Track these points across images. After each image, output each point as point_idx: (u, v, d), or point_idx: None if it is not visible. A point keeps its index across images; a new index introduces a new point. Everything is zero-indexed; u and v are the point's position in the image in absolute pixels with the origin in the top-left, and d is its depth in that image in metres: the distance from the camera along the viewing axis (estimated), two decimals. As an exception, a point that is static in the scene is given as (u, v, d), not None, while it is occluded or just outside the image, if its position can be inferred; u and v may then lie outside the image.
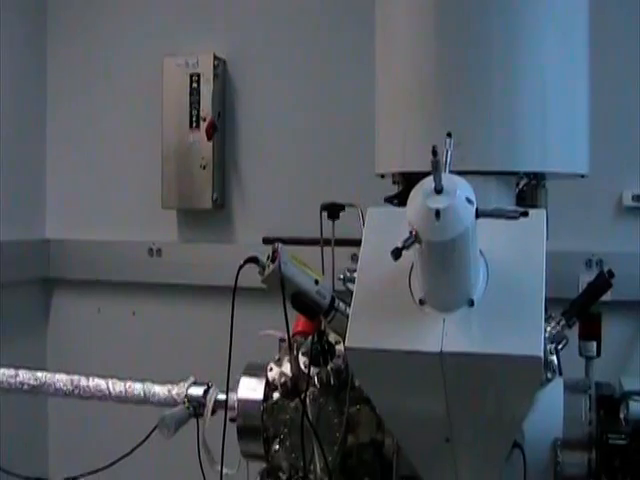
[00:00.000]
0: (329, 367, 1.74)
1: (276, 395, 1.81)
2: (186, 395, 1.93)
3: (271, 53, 3.07)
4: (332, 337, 1.75)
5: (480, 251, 1.30)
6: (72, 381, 2.01)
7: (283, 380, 1.78)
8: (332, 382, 1.74)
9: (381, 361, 1.32)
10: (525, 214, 1.23)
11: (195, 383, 1.96)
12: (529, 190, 1.75)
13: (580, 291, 1.70)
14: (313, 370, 1.74)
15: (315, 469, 1.74)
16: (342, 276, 1.68)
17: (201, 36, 3.14)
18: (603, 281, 1.66)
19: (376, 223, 1.44)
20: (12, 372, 2.04)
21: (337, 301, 1.62)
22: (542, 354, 1.22)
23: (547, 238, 1.35)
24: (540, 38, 1.61)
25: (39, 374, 2.04)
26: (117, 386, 1.98)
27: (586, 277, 2.30)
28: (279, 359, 1.83)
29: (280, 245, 1.55)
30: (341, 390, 1.75)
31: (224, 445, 1.72)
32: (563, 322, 1.59)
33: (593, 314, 1.82)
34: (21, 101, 3.30)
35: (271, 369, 1.82)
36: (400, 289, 1.32)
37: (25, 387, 2.04)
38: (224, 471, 1.79)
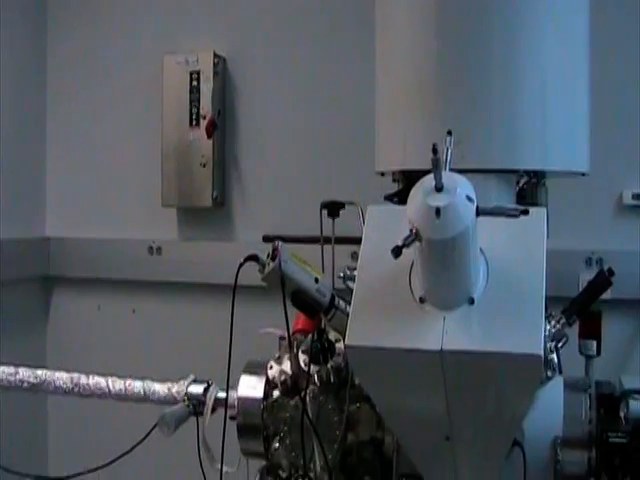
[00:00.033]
0: (329, 365, 1.74)
1: (276, 393, 1.81)
2: (186, 393, 1.93)
3: (271, 51, 3.07)
4: (332, 335, 1.75)
5: (480, 249, 1.30)
6: (72, 379, 2.01)
7: (283, 378, 1.78)
8: (332, 380, 1.74)
9: (381, 359, 1.32)
10: (525, 212, 1.23)
11: (195, 381, 1.95)
12: (529, 188, 1.75)
13: (580, 289, 1.70)
14: (313, 368, 1.74)
15: (315, 467, 1.74)
16: (342, 274, 1.68)
17: (201, 34, 3.14)
18: (603, 279, 1.66)
19: (376, 221, 1.44)
20: (12, 370, 2.04)
21: (337, 299, 1.62)
22: (542, 352, 1.22)
23: (547, 236, 1.35)
24: (540, 38, 1.61)
25: (39, 372, 2.04)
26: (117, 384, 1.98)
27: (586, 275, 2.30)
28: (279, 357, 1.83)
29: (280, 243, 1.56)
30: (341, 388, 1.75)
31: (224, 443, 1.72)
32: (563, 320, 1.59)
33: (593, 312, 1.82)
34: (21, 99, 3.29)
35: (271, 367, 1.82)
36: (400, 287, 1.32)
37: (25, 385, 2.04)
38: (224, 469, 1.79)
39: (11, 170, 3.20)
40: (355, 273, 1.40)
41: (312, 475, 1.74)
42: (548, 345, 1.50)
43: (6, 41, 3.16)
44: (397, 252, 1.19)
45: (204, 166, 3.06)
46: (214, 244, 3.11)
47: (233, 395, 1.83)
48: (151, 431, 1.88)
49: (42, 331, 3.42)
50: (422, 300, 1.30)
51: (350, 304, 1.36)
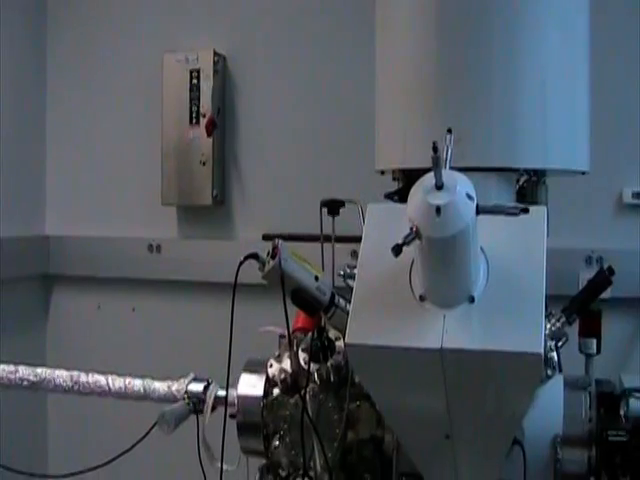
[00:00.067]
0: (329, 363, 1.74)
1: (276, 391, 1.81)
2: (186, 391, 1.93)
3: (271, 49, 3.08)
4: (332, 333, 1.75)
5: (480, 248, 1.30)
6: (72, 377, 2.01)
7: (283, 376, 1.78)
8: (332, 378, 1.74)
9: (381, 357, 1.32)
10: (525, 211, 1.23)
11: (195, 379, 1.95)
12: (529, 187, 1.75)
13: (580, 288, 1.70)
14: (313, 366, 1.74)
15: (315, 465, 1.74)
16: (342, 272, 1.68)
17: (201, 32, 3.14)
18: (603, 278, 1.66)
19: (376, 219, 1.44)
20: (12, 368, 2.04)
21: (337, 297, 1.62)
22: (542, 351, 1.22)
23: (547, 235, 1.35)
24: (540, 38, 1.61)
25: (39, 370, 2.03)
26: (117, 382, 1.98)
27: (586, 274, 2.30)
28: (279, 355, 1.83)
29: (280, 241, 1.56)
30: (341, 386, 1.75)
31: (224, 441, 1.72)
32: (563, 319, 1.59)
33: (593, 311, 1.82)
34: (21, 98, 3.30)
35: (271, 365, 1.83)
36: (400, 285, 1.32)
37: (25, 383, 2.04)
38: (224, 467, 1.79)
39: (11, 169, 3.20)
40: (355, 271, 1.40)
41: (312, 473, 1.74)
42: (548, 344, 1.50)
43: (6, 41, 3.16)
44: (397, 250, 1.19)
45: (204, 164, 3.06)
46: (214, 242, 3.11)
47: (233, 393, 1.83)
48: (151, 429, 1.88)
49: (42, 329, 3.42)
50: (422, 298, 1.30)
51: (350, 302, 1.36)
